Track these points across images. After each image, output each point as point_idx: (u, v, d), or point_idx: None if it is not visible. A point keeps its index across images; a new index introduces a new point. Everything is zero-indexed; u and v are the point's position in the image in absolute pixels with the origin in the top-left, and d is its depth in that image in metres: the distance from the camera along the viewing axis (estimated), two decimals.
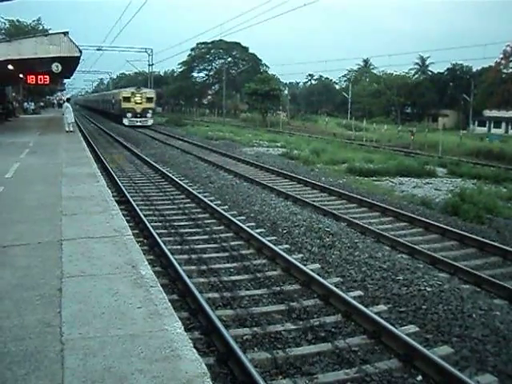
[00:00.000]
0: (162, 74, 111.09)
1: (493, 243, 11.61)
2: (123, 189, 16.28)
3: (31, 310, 5.12)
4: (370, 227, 12.77)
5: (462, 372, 5.98)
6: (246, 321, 7.40)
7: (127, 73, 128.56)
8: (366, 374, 6.05)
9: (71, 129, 30.55)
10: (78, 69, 42.54)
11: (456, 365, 6.27)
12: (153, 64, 73.19)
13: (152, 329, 4.77)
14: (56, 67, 27.12)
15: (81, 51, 25.72)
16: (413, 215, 14.19)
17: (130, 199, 14.60)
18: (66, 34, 24.04)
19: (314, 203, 15.54)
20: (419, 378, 6.04)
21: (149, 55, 70.88)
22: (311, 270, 9.21)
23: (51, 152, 19.78)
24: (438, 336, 7.10)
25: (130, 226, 8.99)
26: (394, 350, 6.55)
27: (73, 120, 31.62)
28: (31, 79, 32.18)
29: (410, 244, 11.34)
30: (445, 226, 12.97)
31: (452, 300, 8.26)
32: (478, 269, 10.17)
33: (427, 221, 13.52)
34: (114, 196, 12.21)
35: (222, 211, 13.44)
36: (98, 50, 65.07)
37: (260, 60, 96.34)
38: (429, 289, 8.72)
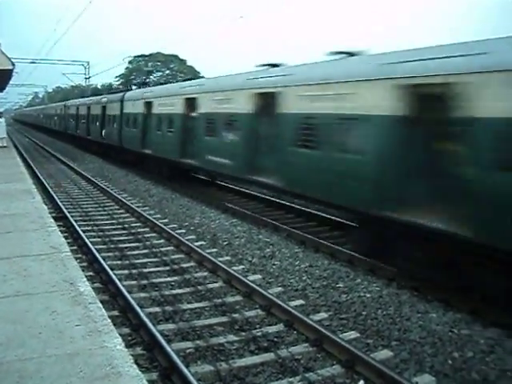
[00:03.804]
0: (99, 86, 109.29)
1: None
2: (60, 205, 15.89)
3: None
4: (309, 236, 12.83)
5: (401, 374, 6.16)
6: (188, 334, 7.35)
7: (63, 86, 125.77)
8: (310, 381, 6.11)
9: (4, 144, 29.78)
10: (11, 82, 41.21)
11: (396, 367, 6.44)
12: (90, 77, 71.74)
13: (91, 346, 4.67)
14: None
15: (14, 64, 24.90)
16: (352, 223, 14.31)
17: (68, 215, 14.29)
18: None
19: (254, 214, 15.58)
20: (361, 382, 6.16)
21: (85, 68, 69.51)
22: (252, 281, 9.25)
23: None
24: (378, 340, 7.27)
25: (68, 243, 8.80)
26: (336, 357, 6.65)
27: (5, 135, 30.84)
28: None
29: (349, 252, 11.48)
30: None
31: (391, 305, 8.48)
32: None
33: None
34: (50, 212, 11.91)
35: (162, 225, 13.36)
36: (32, 63, 62.84)
37: (198, 72, 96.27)
38: (368, 295, 8.92)
